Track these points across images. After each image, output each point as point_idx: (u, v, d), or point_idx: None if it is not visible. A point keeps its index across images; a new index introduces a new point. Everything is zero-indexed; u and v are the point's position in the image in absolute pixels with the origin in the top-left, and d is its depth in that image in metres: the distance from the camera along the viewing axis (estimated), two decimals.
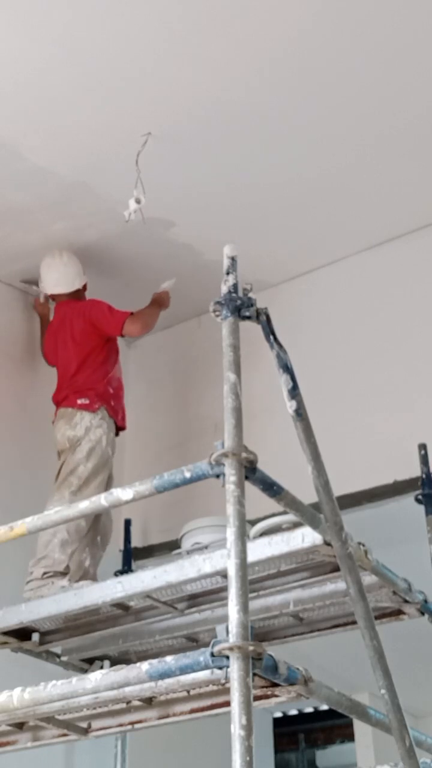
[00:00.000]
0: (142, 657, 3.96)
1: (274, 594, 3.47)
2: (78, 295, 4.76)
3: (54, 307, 4.82)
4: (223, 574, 3.17)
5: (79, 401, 4.38)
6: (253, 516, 2.77)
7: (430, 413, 4.50)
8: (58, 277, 4.74)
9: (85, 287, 4.81)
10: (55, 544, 4.06)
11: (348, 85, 4.02)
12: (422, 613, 3.45)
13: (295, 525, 3.15)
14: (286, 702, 2.60)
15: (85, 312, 4.58)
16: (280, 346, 2.71)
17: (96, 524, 4.30)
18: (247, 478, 2.41)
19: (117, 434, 4.53)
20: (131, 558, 4.99)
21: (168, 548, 4.84)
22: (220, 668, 2.21)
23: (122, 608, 3.66)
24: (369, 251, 5.07)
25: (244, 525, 2.31)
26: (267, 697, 2.56)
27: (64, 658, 4.08)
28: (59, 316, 4.70)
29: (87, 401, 4.38)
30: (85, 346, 4.54)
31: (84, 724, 3.18)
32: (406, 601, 3.37)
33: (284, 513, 3.14)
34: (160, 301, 4.80)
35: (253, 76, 3.95)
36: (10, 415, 4.89)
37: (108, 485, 4.34)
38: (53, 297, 4.81)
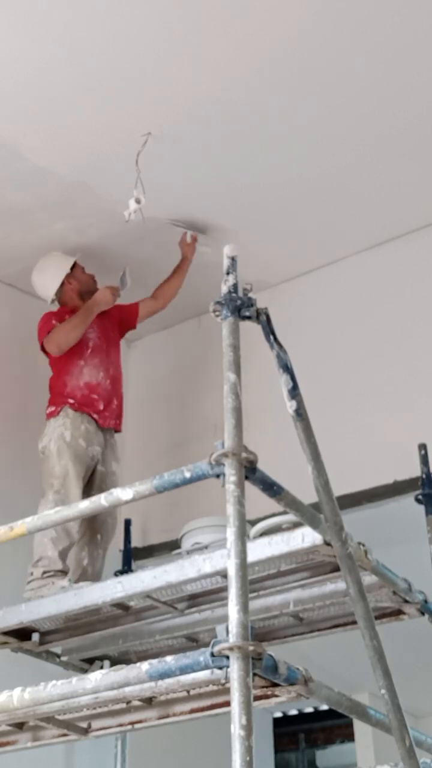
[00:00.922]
0: (142, 657, 3.96)
1: (274, 594, 3.47)
2: (65, 300, 4.66)
3: None
4: (223, 574, 3.17)
5: (47, 411, 4.39)
6: (253, 516, 2.77)
7: (430, 413, 4.50)
8: (38, 291, 4.74)
9: (74, 289, 4.66)
10: (46, 543, 4.06)
11: (348, 85, 4.02)
12: (422, 613, 3.45)
13: (295, 525, 3.15)
14: (286, 702, 2.60)
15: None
16: (280, 346, 2.71)
17: (93, 523, 4.29)
18: (247, 478, 2.41)
19: (102, 425, 4.42)
20: (131, 558, 5.00)
21: (168, 548, 4.85)
22: (220, 668, 2.21)
23: (122, 608, 3.66)
24: (369, 251, 5.07)
25: (244, 525, 2.31)
26: (267, 697, 2.56)
27: (64, 658, 4.08)
28: None
29: (52, 408, 4.37)
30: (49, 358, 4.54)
31: (84, 724, 3.18)
32: (406, 601, 3.37)
33: (284, 513, 3.14)
34: (91, 305, 4.54)
35: (253, 76, 3.95)
36: (9, 416, 4.89)
37: (102, 478, 4.34)
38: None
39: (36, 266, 4.72)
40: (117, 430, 4.54)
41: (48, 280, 4.68)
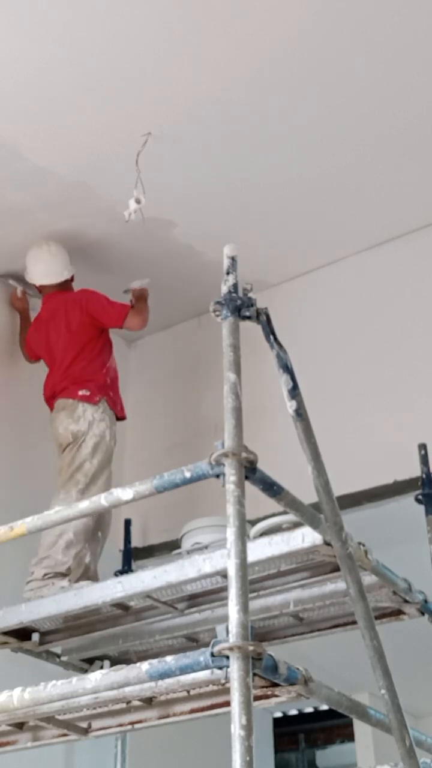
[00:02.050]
0: (142, 657, 3.96)
1: (274, 594, 3.47)
2: (66, 286, 4.70)
3: (42, 299, 4.74)
4: (223, 574, 3.17)
5: (80, 392, 4.33)
6: (253, 516, 2.77)
7: (430, 413, 4.50)
8: (46, 269, 4.68)
9: (72, 278, 4.75)
10: (60, 545, 4.04)
11: (348, 85, 4.02)
12: (422, 613, 3.45)
13: (295, 525, 3.15)
14: (286, 702, 2.60)
15: (82, 303, 4.53)
16: (280, 346, 2.71)
17: (97, 521, 4.28)
18: (247, 478, 2.41)
19: (120, 418, 4.51)
20: (131, 558, 4.99)
21: (168, 548, 4.84)
22: (220, 668, 2.21)
23: (122, 608, 3.66)
24: (369, 251, 5.07)
25: (244, 525, 2.31)
26: (267, 697, 2.56)
27: (64, 658, 4.08)
28: (50, 308, 4.63)
29: (88, 393, 4.33)
30: (81, 337, 4.48)
31: (84, 724, 3.18)
32: (406, 601, 3.37)
33: (284, 513, 3.14)
34: (145, 297, 4.72)
35: (253, 76, 3.95)
36: (9, 415, 4.88)
37: (110, 480, 4.34)
38: (40, 289, 4.74)
39: (52, 243, 4.71)
40: None
41: (67, 259, 4.72)
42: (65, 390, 4.38)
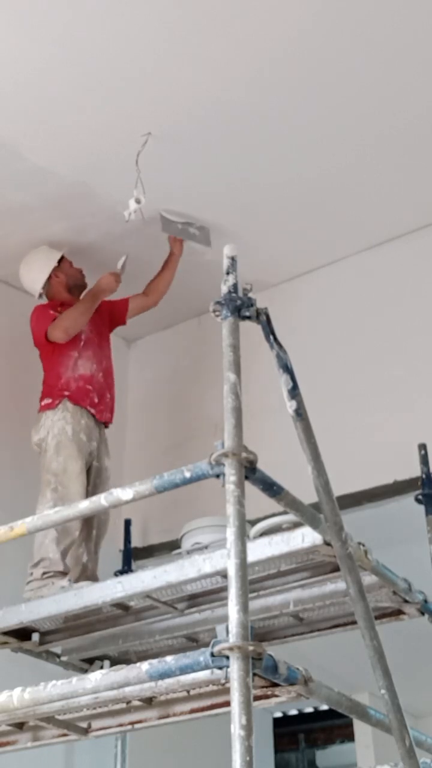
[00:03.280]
0: (142, 657, 3.96)
1: (274, 594, 3.47)
2: (53, 294, 4.65)
3: None
4: (223, 574, 3.17)
5: (42, 403, 4.35)
6: (253, 516, 2.77)
7: (430, 413, 4.50)
8: (27, 286, 4.72)
9: (52, 287, 4.65)
10: (47, 544, 4.03)
11: (348, 85, 4.02)
12: (422, 613, 3.45)
13: (295, 525, 3.15)
14: (286, 702, 2.60)
15: (30, 322, 4.54)
16: (280, 346, 2.71)
17: (90, 519, 4.26)
18: (247, 478, 2.41)
19: (99, 419, 4.42)
20: (131, 558, 4.99)
21: (168, 548, 4.84)
22: (220, 668, 2.21)
23: (122, 608, 3.66)
24: (369, 251, 5.07)
25: (244, 525, 2.31)
26: (267, 697, 2.56)
27: (64, 658, 4.08)
28: None
29: (49, 401, 4.32)
30: (40, 351, 4.50)
31: (84, 724, 3.18)
32: (406, 601, 3.37)
33: (284, 513, 3.14)
34: (96, 291, 4.56)
35: (253, 76, 3.95)
36: (8, 414, 4.88)
37: (97, 474, 4.33)
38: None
39: (23, 260, 4.71)
40: (108, 424, 4.51)
41: (36, 274, 4.67)
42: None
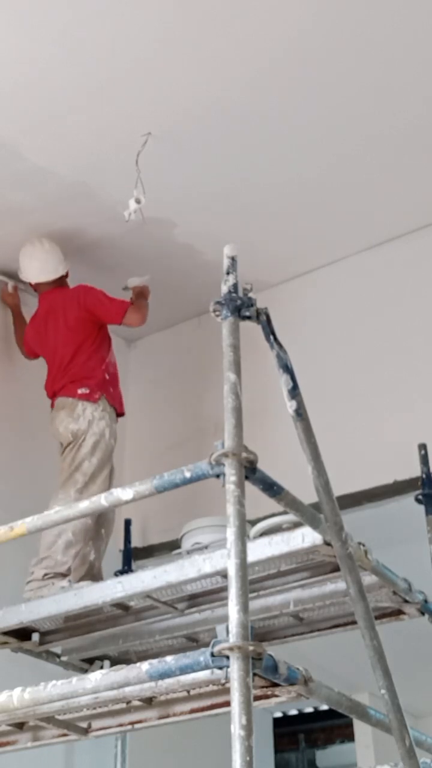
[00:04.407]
0: (142, 657, 3.96)
1: (274, 594, 3.47)
2: (62, 282, 4.68)
3: (38, 297, 4.71)
4: (223, 574, 3.17)
5: (79, 391, 4.31)
6: (253, 516, 2.77)
7: (430, 413, 4.51)
8: (41, 266, 4.66)
9: (67, 274, 4.72)
10: (59, 545, 4.03)
11: (348, 85, 4.02)
12: (422, 613, 3.46)
13: (295, 525, 3.15)
14: (286, 702, 2.60)
15: (80, 299, 4.50)
16: (280, 346, 2.71)
17: (99, 518, 4.26)
18: (247, 478, 2.41)
19: (120, 414, 4.50)
20: (131, 558, 4.99)
21: (168, 548, 4.84)
22: (220, 668, 2.21)
23: (122, 608, 3.66)
24: (369, 251, 5.07)
25: (244, 525, 2.31)
26: (267, 697, 2.56)
27: (64, 658, 4.08)
28: (47, 305, 4.61)
29: (87, 391, 4.31)
30: (79, 334, 4.46)
31: (84, 724, 3.18)
32: (406, 601, 3.38)
33: (284, 513, 3.14)
34: (145, 294, 4.70)
35: (253, 76, 3.95)
36: (8, 414, 4.88)
37: (111, 477, 4.32)
38: (35, 287, 4.71)
39: (45, 241, 4.68)
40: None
41: (62, 258, 4.69)
42: (64, 388, 4.36)
